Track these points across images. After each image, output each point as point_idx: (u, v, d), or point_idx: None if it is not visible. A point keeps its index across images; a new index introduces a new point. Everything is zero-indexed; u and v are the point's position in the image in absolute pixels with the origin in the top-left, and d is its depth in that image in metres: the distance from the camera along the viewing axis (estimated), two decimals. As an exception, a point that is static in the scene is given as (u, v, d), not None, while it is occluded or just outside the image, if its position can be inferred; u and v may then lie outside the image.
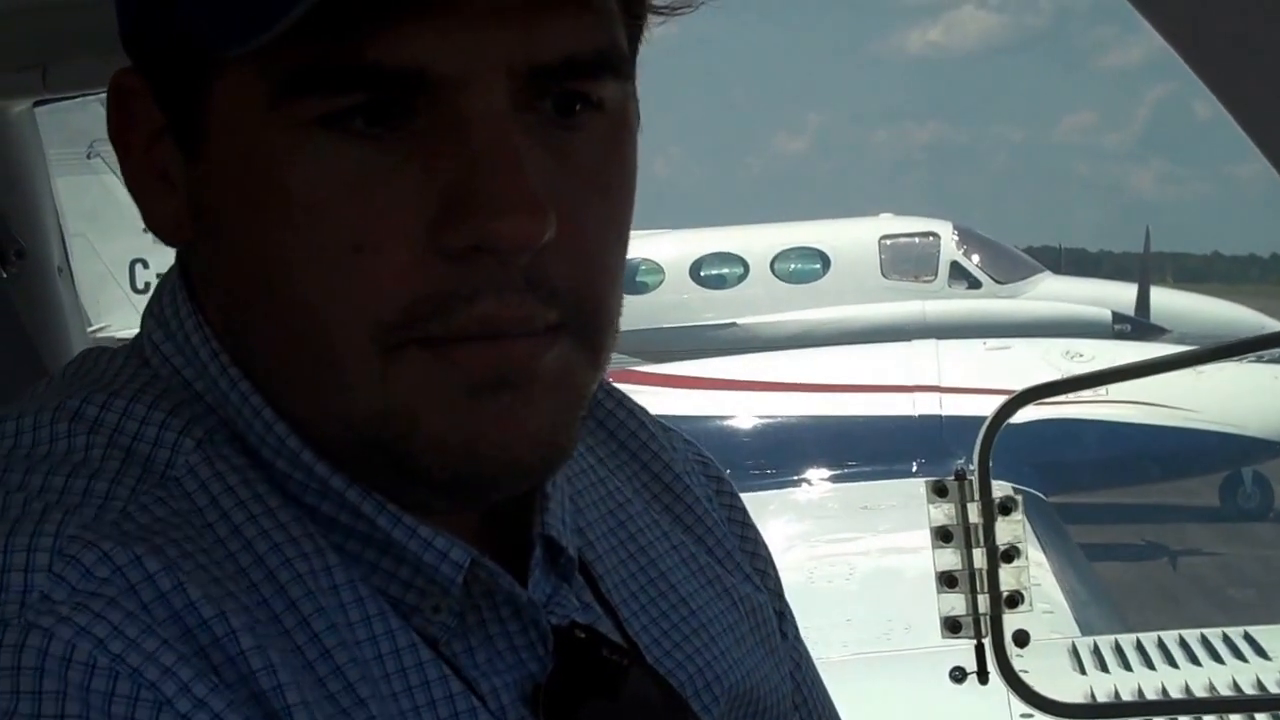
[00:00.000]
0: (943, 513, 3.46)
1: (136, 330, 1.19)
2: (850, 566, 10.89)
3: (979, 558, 3.41)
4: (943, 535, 3.44)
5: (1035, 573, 10.17)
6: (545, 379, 1.08)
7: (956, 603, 3.46)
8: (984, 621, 3.44)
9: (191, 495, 1.08)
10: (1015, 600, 3.47)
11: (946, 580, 3.45)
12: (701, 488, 1.42)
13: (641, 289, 24.56)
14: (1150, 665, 6.36)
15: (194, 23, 1.05)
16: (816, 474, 15.16)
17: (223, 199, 1.09)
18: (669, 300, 24.56)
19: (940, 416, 15.25)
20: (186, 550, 1.04)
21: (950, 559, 3.44)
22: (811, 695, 1.46)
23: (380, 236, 1.04)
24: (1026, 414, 13.07)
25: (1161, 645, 6.52)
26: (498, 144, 1.04)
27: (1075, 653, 6.65)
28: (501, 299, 1.05)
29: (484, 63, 1.04)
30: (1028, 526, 10.89)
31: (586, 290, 1.09)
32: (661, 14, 1.16)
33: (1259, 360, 15.88)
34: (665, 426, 1.45)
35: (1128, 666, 6.39)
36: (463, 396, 1.06)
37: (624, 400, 1.43)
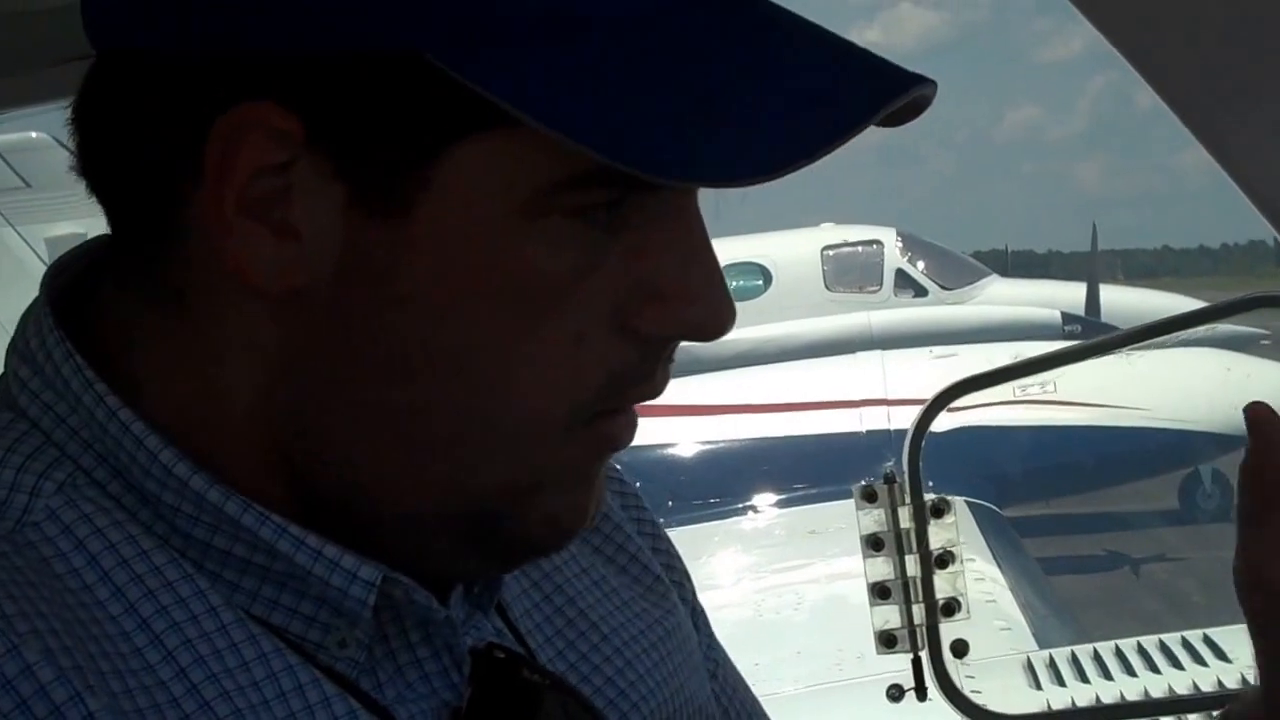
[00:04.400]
0: (872, 519, 3.29)
1: None
2: (799, 596, 10.85)
3: (912, 565, 3.25)
4: (873, 543, 3.28)
5: (991, 588, 10.12)
6: None
7: (891, 615, 3.29)
8: (920, 633, 3.27)
9: (53, 540, 1.04)
10: (952, 608, 3.29)
11: (879, 591, 3.29)
12: (610, 500, 1.39)
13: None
14: (1108, 675, 6.27)
15: (643, 145, 0.98)
16: (762, 500, 15.00)
17: (420, 271, 1.03)
18: (608, 325, 23.92)
19: (889, 431, 14.99)
20: (26, 610, 0.98)
21: (882, 568, 3.27)
22: (735, 699, 1.44)
23: (595, 325, 1.05)
24: (975, 422, 12.92)
25: (1119, 654, 6.46)
26: (707, 239, 1.08)
27: (1030, 668, 6.57)
28: (666, 371, 1.10)
29: None
30: (982, 539, 10.74)
31: None
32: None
33: (1210, 348, 15.92)
34: None
35: (1084, 678, 6.31)
36: (578, 469, 1.10)
37: None
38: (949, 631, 3.33)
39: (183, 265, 1.07)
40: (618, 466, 1.45)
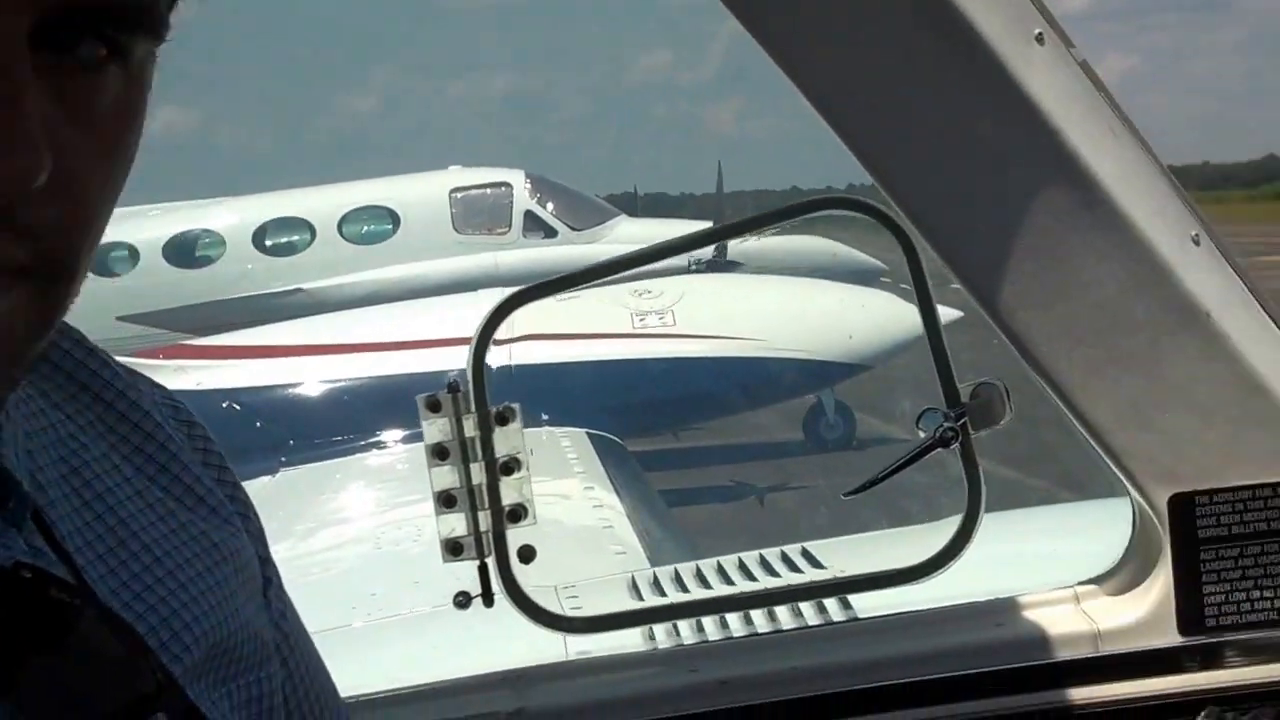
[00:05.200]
0: (437, 429, 3.24)
1: None
2: (418, 529, 10.66)
3: (477, 473, 3.19)
4: (438, 452, 3.22)
5: (608, 515, 10.23)
6: None
7: (457, 523, 3.23)
8: (486, 539, 3.21)
9: None
10: (518, 514, 3.24)
11: (445, 500, 3.23)
12: (174, 431, 1.40)
13: (202, 262, 23.75)
14: (707, 586, 6.37)
15: None
16: (387, 435, 14.83)
17: None
18: (232, 272, 23.63)
19: (510, 366, 15.08)
20: None
21: (448, 477, 3.21)
22: (297, 643, 1.47)
23: None
24: (597, 356, 13.09)
25: (720, 569, 6.56)
26: (3, 76, 0.99)
27: (635, 585, 6.65)
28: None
29: None
30: (601, 469, 10.82)
31: (68, 244, 1.06)
32: None
33: (828, 280, 16.39)
34: (132, 370, 1.43)
35: (685, 590, 6.40)
36: None
37: (93, 348, 1.41)
38: (516, 538, 3.28)
39: None
40: (176, 398, 1.47)
